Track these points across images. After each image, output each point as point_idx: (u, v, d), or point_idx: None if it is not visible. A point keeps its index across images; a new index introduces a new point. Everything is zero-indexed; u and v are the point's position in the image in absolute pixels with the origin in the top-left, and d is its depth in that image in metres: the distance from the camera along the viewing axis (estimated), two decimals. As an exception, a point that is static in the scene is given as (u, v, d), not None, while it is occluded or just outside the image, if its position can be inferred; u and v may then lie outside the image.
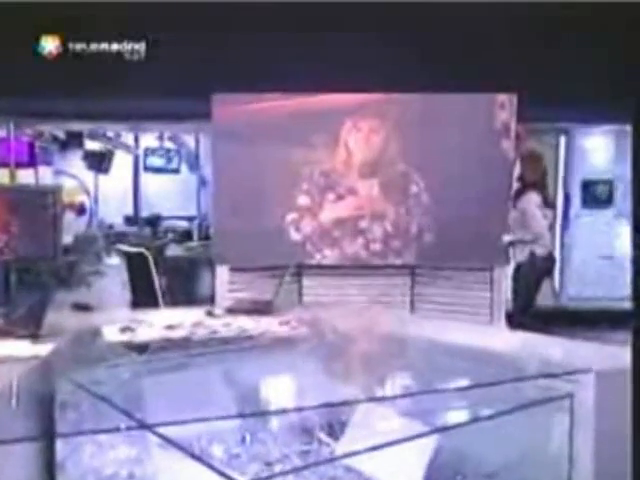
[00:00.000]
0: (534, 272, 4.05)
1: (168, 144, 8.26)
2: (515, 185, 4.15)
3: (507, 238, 4.05)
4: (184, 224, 7.87)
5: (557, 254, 6.33)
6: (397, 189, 4.55)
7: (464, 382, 2.08)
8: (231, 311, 2.81)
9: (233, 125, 4.47)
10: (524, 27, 3.75)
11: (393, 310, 4.38)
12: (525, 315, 3.91)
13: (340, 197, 4.56)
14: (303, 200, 4.55)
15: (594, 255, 6.08)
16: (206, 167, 7.75)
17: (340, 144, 4.54)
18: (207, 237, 6.81)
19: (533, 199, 3.96)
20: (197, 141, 8.26)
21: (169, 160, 8.38)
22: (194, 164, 8.40)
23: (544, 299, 4.86)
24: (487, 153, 4.41)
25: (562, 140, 6.59)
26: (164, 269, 5.60)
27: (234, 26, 3.44)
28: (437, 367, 2.19)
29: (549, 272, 4.19)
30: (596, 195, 6.57)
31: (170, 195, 8.41)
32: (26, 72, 3.30)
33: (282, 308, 2.87)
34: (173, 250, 6.62)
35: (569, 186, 6.68)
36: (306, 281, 4.67)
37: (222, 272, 4.63)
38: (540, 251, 4.08)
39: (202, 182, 8.31)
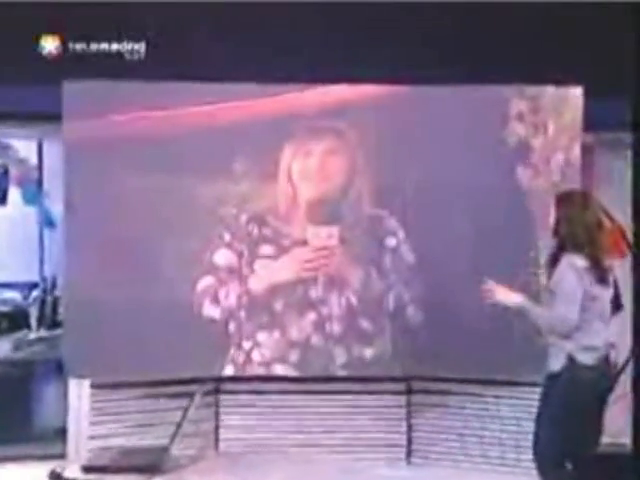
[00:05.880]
0: (577, 394, 3.86)
1: (-12, 157, 8.23)
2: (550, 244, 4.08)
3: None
4: (14, 297, 7.78)
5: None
6: (366, 241, 4.66)
7: None
8: (93, 470, 2.82)
9: (99, 132, 4.48)
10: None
11: (375, 457, 4.40)
12: (584, 468, 3.80)
13: (281, 251, 4.63)
14: (224, 257, 4.59)
15: None
16: (54, 197, 7.72)
17: (281, 174, 4.63)
18: (56, 323, 6.74)
19: (572, 262, 3.80)
20: (40, 154, 8.23)
21: (-11, 184, 8.33)
22: (33, 191, 8.36)
23: (620, 434, 4.83)
24: (497, 185, 4.54)
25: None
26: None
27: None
28: None
29: (607, 393, 4.02)
30: None
31: (-9, 244, 8.35)
32: None
33: (183, 461, 2.88)
34: (-7, 346, 6.55)
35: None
36: (227, 402, 4.67)
37: (80, 390, 4.60)
38: (585, 357, 3.82)
39: (48, 222, 8.25)
